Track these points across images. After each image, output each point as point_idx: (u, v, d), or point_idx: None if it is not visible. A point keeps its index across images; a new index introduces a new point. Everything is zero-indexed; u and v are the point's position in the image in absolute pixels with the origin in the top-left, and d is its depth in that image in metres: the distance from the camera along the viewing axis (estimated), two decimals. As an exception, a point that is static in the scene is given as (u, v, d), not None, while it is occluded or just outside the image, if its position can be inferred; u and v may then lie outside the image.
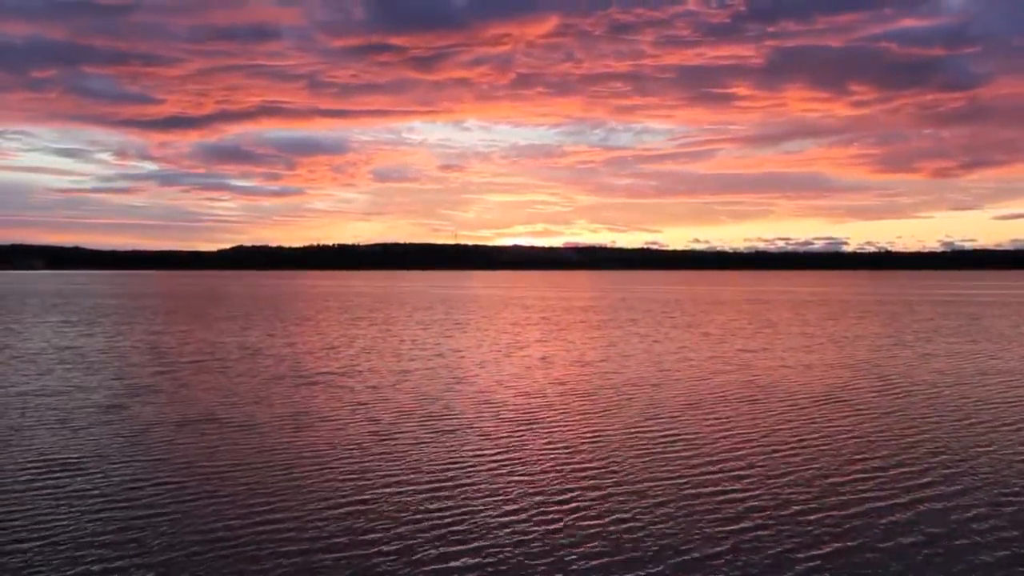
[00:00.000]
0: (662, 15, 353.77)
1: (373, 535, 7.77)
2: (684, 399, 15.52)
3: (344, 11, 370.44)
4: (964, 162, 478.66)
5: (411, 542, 7.58)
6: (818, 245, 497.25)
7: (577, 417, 13.68)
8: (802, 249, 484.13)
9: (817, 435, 12.25)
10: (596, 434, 12.32)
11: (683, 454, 11.02)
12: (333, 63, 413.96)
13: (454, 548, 7.44)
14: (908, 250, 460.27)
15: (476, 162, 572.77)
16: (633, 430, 12.60)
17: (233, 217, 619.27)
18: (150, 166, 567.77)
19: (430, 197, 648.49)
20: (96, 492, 9.15)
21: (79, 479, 9.69)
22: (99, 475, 9.87)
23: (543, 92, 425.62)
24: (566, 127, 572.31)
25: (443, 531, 7.89)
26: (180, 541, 7.58)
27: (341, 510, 8.54)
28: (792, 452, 11.15)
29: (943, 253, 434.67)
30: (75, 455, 10.87)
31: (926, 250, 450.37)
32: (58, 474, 9.91)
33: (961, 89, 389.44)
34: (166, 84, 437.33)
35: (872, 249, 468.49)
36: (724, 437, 12.09)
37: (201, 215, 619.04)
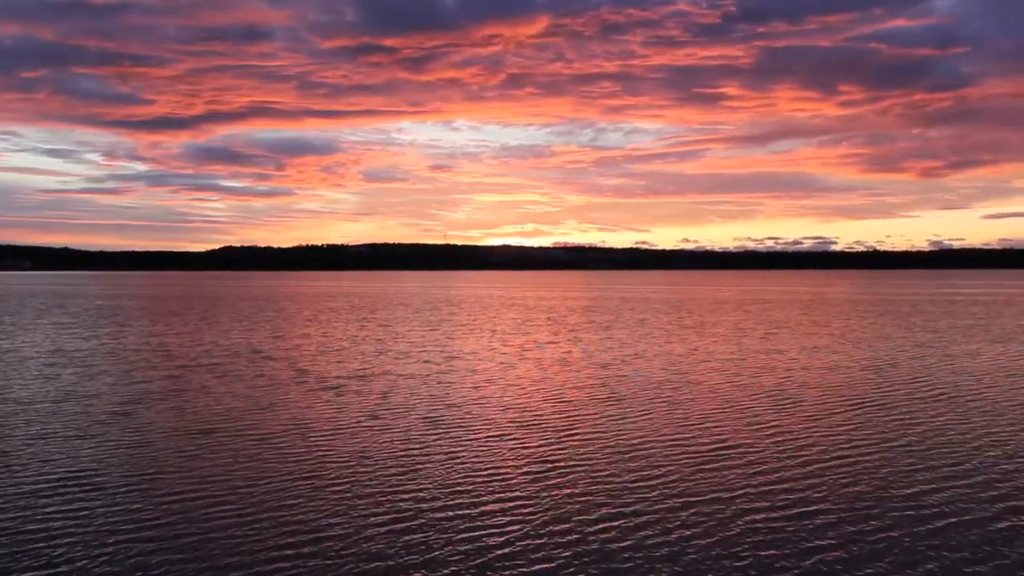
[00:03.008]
0: (653, 15, 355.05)
1: (410, 558, 7.22)
2: (718, 403, 15.03)
3: (335, 12, 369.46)
4: (952, 162, 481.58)
5: (454, 569, 7.04)
6: (807, 244, 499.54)
7: (613, 423, 13.16)
8: (791, 248, 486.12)
9: (869, 442, 11.75)
10: (637, 442, 11.79)
11: (734, 464, 10.49)
12: (323, 64, 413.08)
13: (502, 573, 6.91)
14: (897, 249, 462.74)
15: (466, 162, 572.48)
16: (674, 437, 12.09)
17: (222, 217, 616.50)
18: (139, 167, 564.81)
19: (419, 197, 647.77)
20: (110, 506, 8.55)
21: (92, 492, 9.08)
22: (112, 488, 9.26)
23: (533, 92, 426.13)
24: (556, 127, 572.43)
25: (486, 553, 7.35)
26: (202, 562, 7.02)
27: (372, 529, 7.96)
28: (848, 462, 10.64)
29: (932, 252, 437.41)
30: (87, 466, 10.25)
31: (915, 249, 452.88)
32: (70, 486, 9.30)
33: (949, 89, 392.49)
34: (156, 85, 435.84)
35: (861, 248, 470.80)
36: (772, 444, 11.59)
37: (190, 215, 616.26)
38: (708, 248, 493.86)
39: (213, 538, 7.67)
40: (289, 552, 7.32)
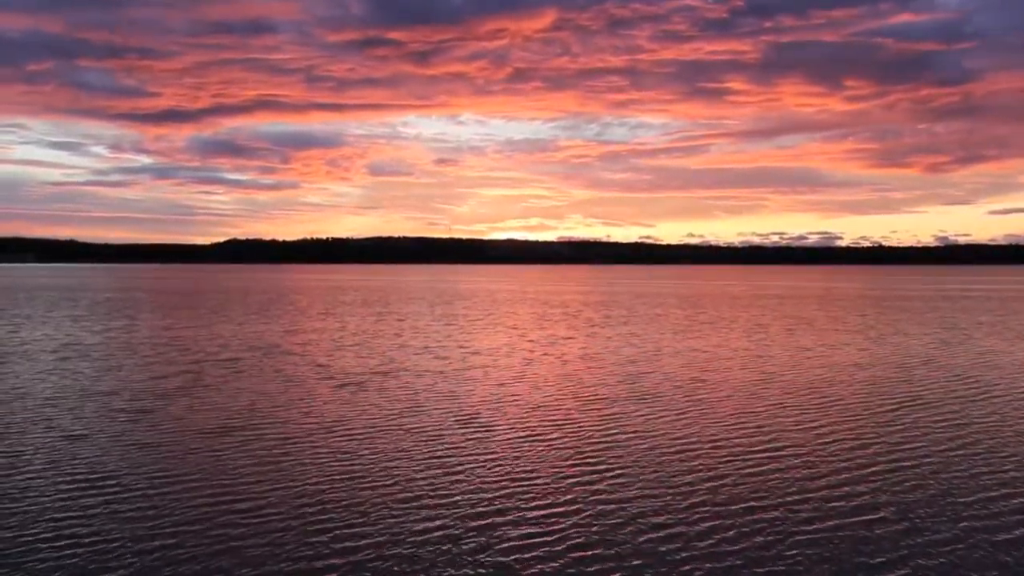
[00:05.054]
0: (659, 10, 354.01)
1: (445, 560, 6.82)
2: (753, 401, 14.64)
3: (342, 6, 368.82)
4: (958, 157, 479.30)
5: (494, 571, 6.67)
6: (813, 240, 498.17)
7: (648, 422, 12.79)
8: (796, 244, 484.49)
9: (914, 441, 11.34)
10: (675, 441, 11.41)
11: (777, 462, 10.10)
12: (330, 57, 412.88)
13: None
14: (903, 245, 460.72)
15: (471, 156, 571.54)
16: (713, 436, 11.70)
17: (227, 210, 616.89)
18: (145, 159, 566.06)
19: (424, 191, 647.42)
20: (135, 505, 8.22)
21: (116, 491, 8.75)
22: (137, 487, 8.92)
23: (539, 87, 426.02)
24: (561, 121, 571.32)
25: (527, 552, 6.97)
26: (228, 561, 6.68)
27: (407, 525, 7.59)
28: (895, 459, 10.24)
29: (937, 248, 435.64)
30: (111, 464, 9.92)
31: (920, 245, 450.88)
32: (92, 485, 8.96)
33: (955, 85, 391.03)
34: (162, 78, 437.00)
35: (867, 244, 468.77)
36: (814, 442, 11.20)
37: (196, 208, 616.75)
38: (713, 243, 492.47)
39: (240, 538, 7.33)
40: (320, 553, 6.98)
